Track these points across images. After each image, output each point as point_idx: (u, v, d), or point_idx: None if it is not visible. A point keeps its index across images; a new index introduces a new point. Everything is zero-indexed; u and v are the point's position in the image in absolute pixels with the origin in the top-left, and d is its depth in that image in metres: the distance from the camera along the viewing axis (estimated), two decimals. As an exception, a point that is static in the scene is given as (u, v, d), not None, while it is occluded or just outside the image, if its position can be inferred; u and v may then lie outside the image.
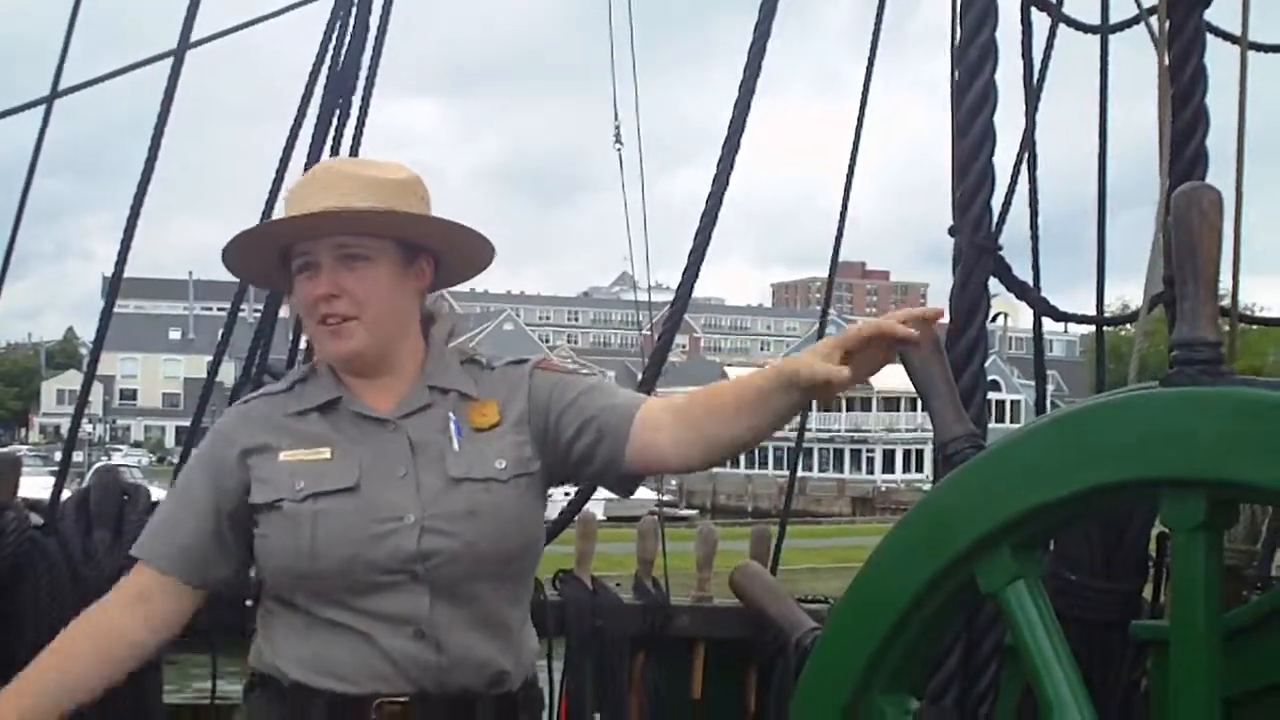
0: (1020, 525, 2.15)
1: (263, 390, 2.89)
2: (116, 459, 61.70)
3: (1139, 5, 3.84)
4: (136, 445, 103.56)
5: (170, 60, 4.59)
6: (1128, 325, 4.23)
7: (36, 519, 4.04)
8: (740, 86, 4.64)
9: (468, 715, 2.64)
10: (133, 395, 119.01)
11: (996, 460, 2.22)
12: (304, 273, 2.71)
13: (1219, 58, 3.79)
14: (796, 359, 2.55)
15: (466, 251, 2.87)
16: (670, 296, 4.68)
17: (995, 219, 3.51)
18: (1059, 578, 3.23)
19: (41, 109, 4.78)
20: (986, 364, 3.28)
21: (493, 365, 2.85)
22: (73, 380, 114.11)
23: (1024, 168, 4.05)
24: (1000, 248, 3.50)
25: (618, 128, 7.22)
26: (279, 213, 2.79)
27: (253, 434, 2.74)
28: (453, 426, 2.72)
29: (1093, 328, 4.65)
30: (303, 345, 4.79)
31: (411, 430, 2.71)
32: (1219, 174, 3.70)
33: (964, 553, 2.17)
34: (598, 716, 4.40)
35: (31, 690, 2.66)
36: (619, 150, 7.31)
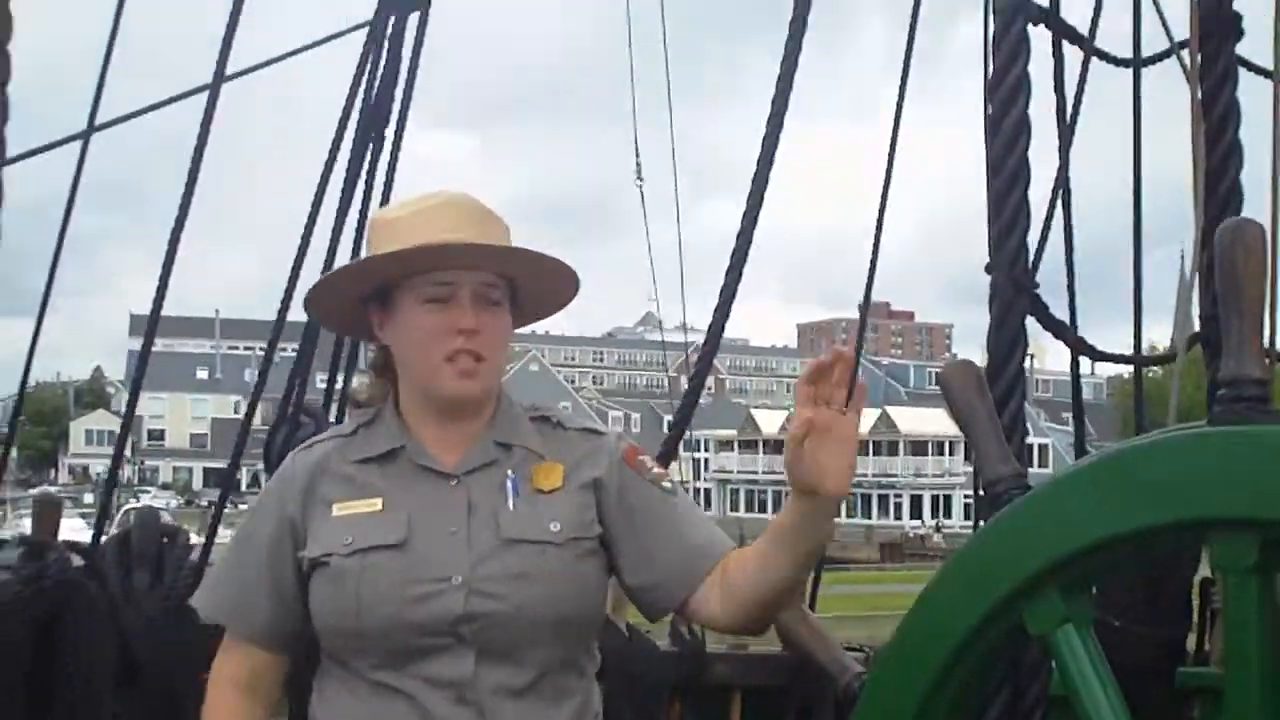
0: (1069, 566, 2.10)
1: (327, 433, 2.83)
2: (144, 501, 61.86)
3: (1170, 39, 3.83)
4: (165, 487, 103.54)
5: (206, 94, 4.60)
6: (1155, 368, 4.19)
7: (78, 560, 4.05)
8: (769, 120, 4.61)
9: None
10: (160, 436, 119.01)
11: (1044, 500, 2.18)
12: (434, 303, 2.64)
13: (1252, 92, 3.77)
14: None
15: (551, 300, 2.85)
16: (695, 337, 4.65)
17: (1031, 256, 3.48)
18: (1102, 624, 3.19)
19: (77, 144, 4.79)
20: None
21: (564, 426, 2.77)
22: (101, 420, 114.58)
23: (1058, 204, 4.03)
24: (1037, 285, 3.47)
25: (639, 164, 7.20)
26: (378, 239, 2.71)
27: (312, 483, 2.67)
28: (509, 485, 2.64)
29: (1120, 370, 4.62)
30: (338, 386, 4.78)
31: (472, 486, 2.64)
32: (1253, 210, 3.66)
33: (1012, 594, 2.13)
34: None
35: None
36: (640, 186, 7.29)
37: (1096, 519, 2.09)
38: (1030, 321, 3.45)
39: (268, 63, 4.94)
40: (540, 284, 2.78)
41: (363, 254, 2.94)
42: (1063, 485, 2.18)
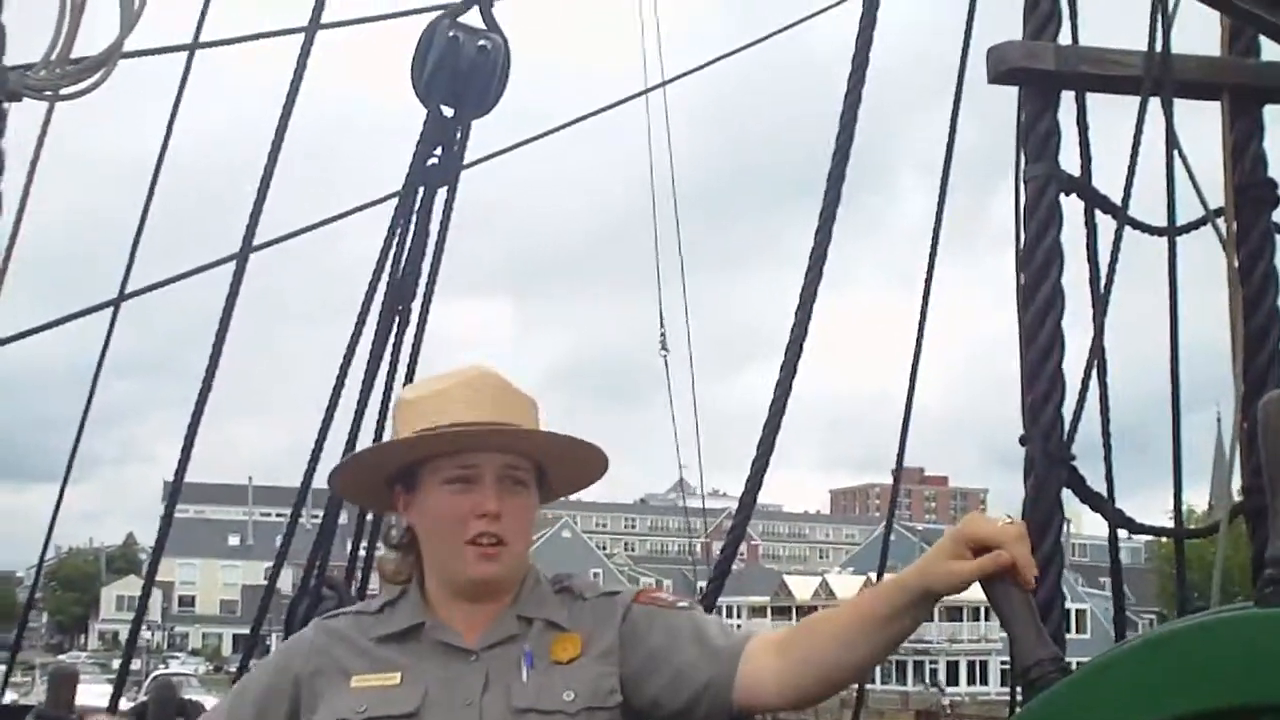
0: (1110, 754, 2.01)
1: (354, 609, 2.78)
2: (173, 667, 61.57)
3: (1205, 207, 3.78)
4: (194, 653, 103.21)
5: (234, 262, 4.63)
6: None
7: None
8: (801, 291, 4.57)
9: None
10: (191, 602, 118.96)
11: (1086, 685, 2.09)
12: (456, 484, 2.59)
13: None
14: (923, 571, 2.40)
15: (579, 476, 2.81)
16: (726, 503, 4.58)
17: (1067, 428, 3.42)
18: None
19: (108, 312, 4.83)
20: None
21: (585, 596, 2.69)
22: (132, 586, 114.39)
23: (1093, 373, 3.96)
24: (1074, 458, 3.40)
25: (663, 335, 7.24)
26: (402, 419, 2.68)
27: (329, 654, 2.63)
28: (524, 658, 2.57)
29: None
30: (362, 553, 4.74)
31: (491, 662, 2.57)
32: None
33: (1054, 783, 2.04)
34: None
35: None
36: (665, 357, 7.31)
37: (1141, 704, 2.01)
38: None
39: (295, 233, 4.97)
40: (566, 461, 2.74)
41: (386, 433, 2.91)
42: (1105, 670, 2.10)
